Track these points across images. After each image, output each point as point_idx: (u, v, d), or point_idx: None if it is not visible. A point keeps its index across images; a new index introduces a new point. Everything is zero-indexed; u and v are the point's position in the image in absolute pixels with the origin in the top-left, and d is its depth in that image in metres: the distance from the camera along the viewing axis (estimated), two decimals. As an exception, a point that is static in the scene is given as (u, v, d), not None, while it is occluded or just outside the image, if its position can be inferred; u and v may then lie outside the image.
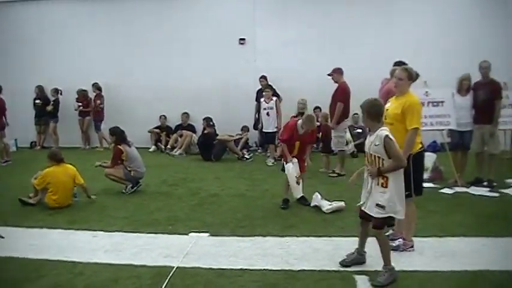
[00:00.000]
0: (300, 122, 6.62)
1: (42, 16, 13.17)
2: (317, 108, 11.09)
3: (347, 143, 9.99)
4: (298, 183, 6.75)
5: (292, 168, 6.66)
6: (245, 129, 12.16)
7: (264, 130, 10.74)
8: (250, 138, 12.25)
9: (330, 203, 6.48)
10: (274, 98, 10.58)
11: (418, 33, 11.62)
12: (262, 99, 10.66)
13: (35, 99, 13.03)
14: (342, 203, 6.47)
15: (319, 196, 6.59)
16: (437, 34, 11.54)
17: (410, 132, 4.67)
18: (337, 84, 8.88)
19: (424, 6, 11.83)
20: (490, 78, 7.74)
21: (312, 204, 6.62)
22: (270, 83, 11.51)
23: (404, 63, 5.43)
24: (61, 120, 13.01)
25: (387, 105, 4.95)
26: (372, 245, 5.03)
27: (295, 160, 6.70)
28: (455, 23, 11.59)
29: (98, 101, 12.73)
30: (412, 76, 4.88)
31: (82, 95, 12.93)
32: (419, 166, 4.85)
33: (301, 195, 6.85)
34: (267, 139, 10.91)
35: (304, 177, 6.94)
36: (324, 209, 6.38)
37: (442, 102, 7.95)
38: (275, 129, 10.52)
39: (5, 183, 8.49)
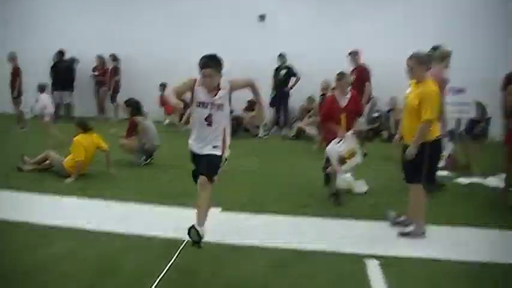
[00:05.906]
0: (336, 92, 6.12)
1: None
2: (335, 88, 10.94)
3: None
4: (343, 163, 5.68)
5: (336, 146, 5.65)
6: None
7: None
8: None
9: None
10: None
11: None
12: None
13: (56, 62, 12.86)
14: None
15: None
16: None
17: (422, 124, 4.54)
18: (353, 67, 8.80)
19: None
20: None
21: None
22: (288, 62, 11.54)
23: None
24: (76, 90, 13.08)
25: (407, 92, 4.80)
26: (384, 230, 5.00)
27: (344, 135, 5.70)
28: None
29: (114, 73, 12.71)
30: (422, 61, 4.64)
31: (100, 62, 12.93)
32: (435, 154, 4.74)
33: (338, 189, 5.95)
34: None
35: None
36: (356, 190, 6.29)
37: (463, 90, 7.78)
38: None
39: (21, 149, 8.50)
